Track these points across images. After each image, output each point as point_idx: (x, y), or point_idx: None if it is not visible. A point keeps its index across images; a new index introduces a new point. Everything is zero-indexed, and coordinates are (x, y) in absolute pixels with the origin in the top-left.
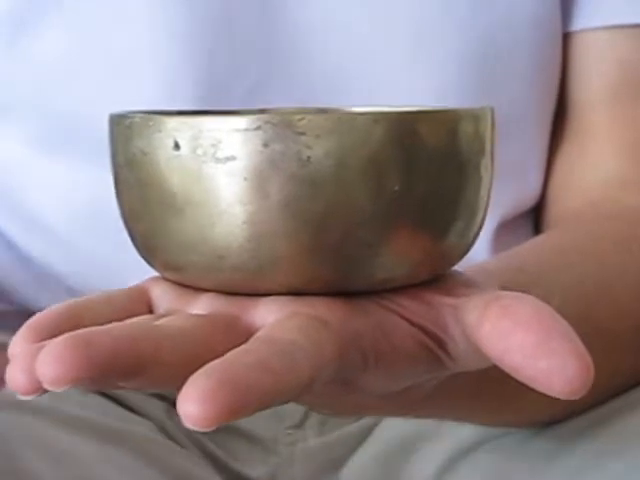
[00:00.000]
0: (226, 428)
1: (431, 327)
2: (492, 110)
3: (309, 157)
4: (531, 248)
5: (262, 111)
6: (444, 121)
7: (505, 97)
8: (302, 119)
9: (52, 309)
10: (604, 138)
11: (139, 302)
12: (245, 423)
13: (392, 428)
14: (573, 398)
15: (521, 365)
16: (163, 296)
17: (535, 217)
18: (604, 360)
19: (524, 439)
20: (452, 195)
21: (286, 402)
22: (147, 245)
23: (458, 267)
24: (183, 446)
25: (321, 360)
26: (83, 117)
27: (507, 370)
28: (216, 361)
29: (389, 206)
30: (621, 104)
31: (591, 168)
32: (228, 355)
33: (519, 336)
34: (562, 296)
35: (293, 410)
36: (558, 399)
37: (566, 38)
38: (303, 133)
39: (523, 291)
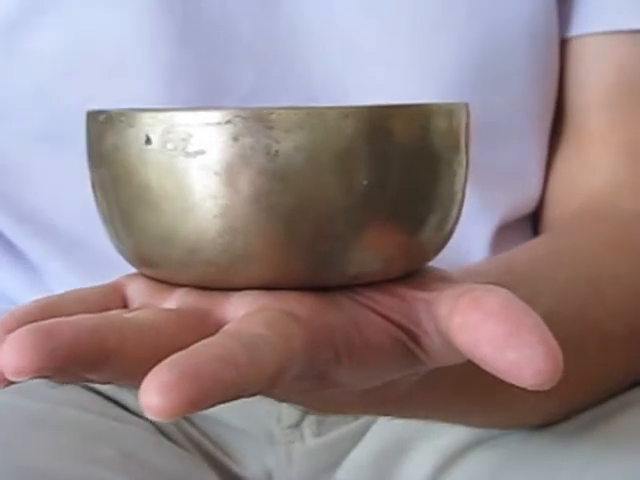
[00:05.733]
0: (223, 427)
1: (405, 322)
2: (466, 105)
3: (277, 151)
4: (522, 250)
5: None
6: (415, 116)
7: (503, 101)
8: (271, 113)
9: (23, 306)
10: (602, 142)
11: (114, 298)
12: (242, 422)
13: (389, 428)
14: (542, 389)
15: (491, 357)
16: (138, 292)
17: (534, 221)
18: (598, 360)
19: (521, 439)
20: (425, 190)
21: (253, 395)
22: (122, 240)
23: (448, 268)
24: (179, 445)
25: (288, 354)
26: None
27: (478, 362)
28: (180, 353)
29: (359, 201)
30: (619, 109)
31: (589, 172)
32: (192, 347)
33: (489, 328)
34: (554, 296)
35: (290, 410)
36: (548, 397)
37: (564, 43)
38: (272, 127)
39: (510, 290)
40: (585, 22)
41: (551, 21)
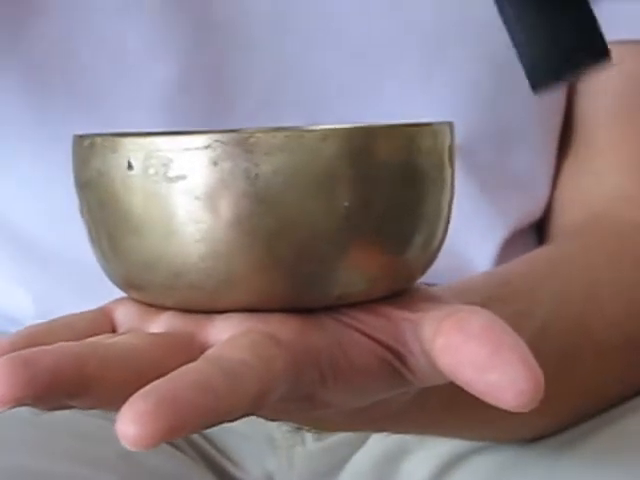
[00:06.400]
0: (223, 431)
1: (391, 342)
2: (450, 124)
3: (257, 174)
4: (520, 262)
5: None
6: (395, 136)
7: (514, 110)
8: (250, 137)
9: (9, 336)
10: (610, 153)
11: (103, 324)
12: (243, 426)
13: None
14: (523, 411)
15: (472, 379)
16: (126, 316)
17: (539, 230)
18: (594, 369)
19: (519, 447)
20: (408, 211)
21: (235, 419)
22: (109, 264)
23: (450, 278)
24: (179, 448)
25: (269, 378)
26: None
27: (460, 384)
28: (157, 381)
29: (340, 222)
30: (628, 119)
31: (595, 182)
32: (170, 375)
33: (470, 350)
34: (551, 307)
35: None
36: (540, 411)
37: None
38: (251, 151)
39: (506, 304)
40: None
41: None
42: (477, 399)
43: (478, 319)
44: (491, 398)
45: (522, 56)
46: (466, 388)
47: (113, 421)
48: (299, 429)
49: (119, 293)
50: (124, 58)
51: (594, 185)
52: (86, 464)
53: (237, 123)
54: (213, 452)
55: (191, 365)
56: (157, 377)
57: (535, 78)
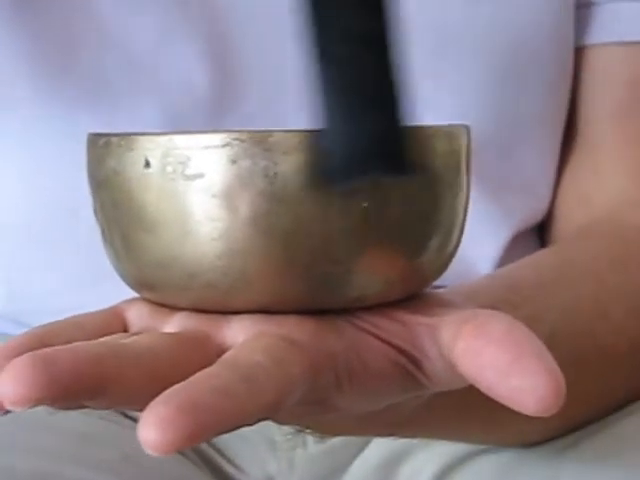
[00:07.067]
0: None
1: (406, 346)
2: (467, 128)
3: (276, 173)
4: (526, 265)
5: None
6: (414, 138)
7: (518, 112)
8: (270, 136)
9: (20, 336)
10: (613, 155)
11: (114, 324)
12: (244, 428)
13: None
14: (545, 416)
15: (494, 383)
16: (138, 316)
17: (542, 233)
18: (599, 375)
19: (523, 447)
20: (425, 213)
21: (252, 424)
22: (123, 264)
23: (452, 280)
24: (181, 451)
25: (287, 382)
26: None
27: (482, 389)
28: (177, 386)
29: (358, 223)
30: (631, 121)
31: (599, 185)
32: (189, 380)
33: (492, 354)
34: (559, 313)
35: None
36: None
37: (578, 52)
38: (270, 149)
39: (516, 308)
40: (600, 31)
41: (569, 30)
42: (486, 403)
43: (498, 323)
44: (512, 403)
45: (320, 145)
46: (487, 392)
47: (116, 423)
48: (300, 431)
49: (100, 278)
50: (128, 55)
51: (597, 188)
52: (89, 466)
53: (238, 123)
54: (214, 454)
55: (209, 370)
56: (174, 376)
57: (325, 174)
